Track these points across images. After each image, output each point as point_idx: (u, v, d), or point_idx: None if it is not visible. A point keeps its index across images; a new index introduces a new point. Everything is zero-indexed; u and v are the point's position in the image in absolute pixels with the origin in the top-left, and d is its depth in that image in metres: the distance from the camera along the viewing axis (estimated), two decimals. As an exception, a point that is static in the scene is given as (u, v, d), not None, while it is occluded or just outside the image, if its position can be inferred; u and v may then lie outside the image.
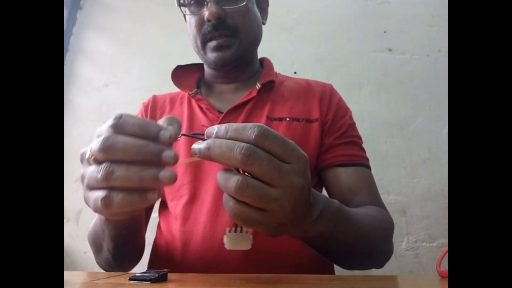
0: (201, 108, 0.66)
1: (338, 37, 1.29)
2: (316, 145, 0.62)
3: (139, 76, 1.39)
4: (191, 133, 0.33)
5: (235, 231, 0.36)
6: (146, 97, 0.74)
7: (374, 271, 0.63)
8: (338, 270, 0.65)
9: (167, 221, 0.61)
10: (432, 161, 1.11)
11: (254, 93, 0.65)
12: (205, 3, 0.62)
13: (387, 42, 1.26)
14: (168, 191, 0.62)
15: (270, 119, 0.63)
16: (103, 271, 0.56)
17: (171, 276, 0.37)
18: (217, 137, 0.30)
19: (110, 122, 0.30)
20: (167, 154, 0.29)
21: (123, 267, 0.55)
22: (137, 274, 0.34)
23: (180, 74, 0.72)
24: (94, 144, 0.30)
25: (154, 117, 0.70)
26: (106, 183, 0.29)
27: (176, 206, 0.59)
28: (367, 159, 0.65)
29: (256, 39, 0.69)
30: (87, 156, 0.31)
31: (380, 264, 0.54)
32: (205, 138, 0.32)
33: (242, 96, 0.66)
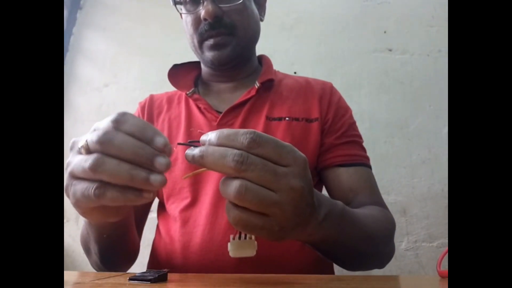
0: (199, 108, 0.65)
1: (338, 37, 1.29)
2: (316, 145, 0.61)
3: (139, 76, 1.39)
4: (188, 141, 0.33)
5: (239, 238, 0.34)
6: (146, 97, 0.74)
7: (374, 271, 0.63)
8: (337, 270, 0.65)
9: (166, 223, 0.61)
10: (432, 161, 1.11)
11: (253, 92, 0.64)
12: (201, 1, 0.60)
13: (387, 42, 1.26)
14: (168, 193, 0.61)
15: (269, 119, 0.62)
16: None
17: (171, 276, 0.37)
18: (210, 144, 0.30)
19: (112, 117, 0.30)
20: (161, 160, 0.29)
21: (113, 270, 0.54)
22: (137, 274, 0.34)
23: (177, 73, 0.71)
24: (92, 135, 0.29)
25: (151, 116, 0.69)
26: (93, 174, 0.29)
27: (175, 208, 0.59)
28: (368, 159, 0.64)
29: (254, 36, 0.68)
30: (80, 145, 0.31)
31: (382, 264, 0.54)
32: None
33: (240, 95, 0.65)
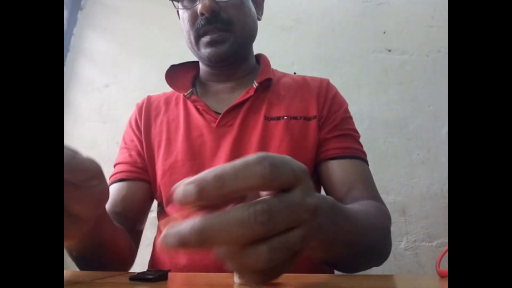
0: (197, 109, 0.64)
1: (337, 37, 1.30)
2: (315, 143, 0.61)
3: (140, 76, 1.39)
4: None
5: None
6: (147, 97, 0.73)
7: (373, 271, 0.63)
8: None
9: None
10: (431, 161, 1.11)
11: (251, 92, 0.63)
12: None
13: (387, 43, 1.26)
14: (167, 196, 0.61)
15: (267, 119, 0.62)
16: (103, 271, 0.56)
17: (171, 275, 0.37)
18: (206, 197, 0.21)
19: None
20: None
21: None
22: (137, 274, 0.34)
23: (175, 74, 0.70)
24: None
25: (148, 118, 0.68)
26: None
27: (175, 212, 0.59)
28: (364, 153, 0.63)
29: (251, 34, 0.67)
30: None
31: (379, 262, 0.52)
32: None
33: (239, 95, 0.64)
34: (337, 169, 0.59)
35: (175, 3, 0.65)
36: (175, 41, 1.35)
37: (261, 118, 0.62)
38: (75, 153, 0.29)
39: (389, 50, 1.25)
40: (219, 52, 0.62)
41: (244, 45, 0.66)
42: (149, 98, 0.72)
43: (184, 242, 0.20)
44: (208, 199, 0.21)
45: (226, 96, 0.67)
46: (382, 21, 1.28)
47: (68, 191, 0.31)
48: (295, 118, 0.62)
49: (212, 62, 0.64)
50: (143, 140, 0.67)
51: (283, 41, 1.31)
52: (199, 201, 0.21)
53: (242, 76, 0.69)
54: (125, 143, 0.69)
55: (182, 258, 0.55)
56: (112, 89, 1.40)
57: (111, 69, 1.42)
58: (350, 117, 0.66)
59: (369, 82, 1.22)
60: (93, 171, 0.32)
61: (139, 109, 0.70)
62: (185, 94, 0.66)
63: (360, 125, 0.69)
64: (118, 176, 0.65)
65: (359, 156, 0.61)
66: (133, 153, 0.67)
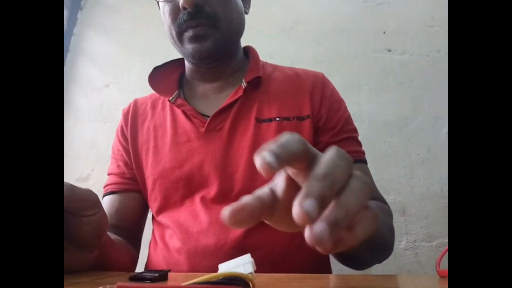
0: (184, 113, 0.61)
1: (337, 37, 1.30)
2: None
3: (140, 76, 1.39)
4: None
5: None
6: (146, 97, 0.73)
7: (373, 271, 0.63)
8: (335, 270, 0.65)
9: (161, 229, 0.60)
10: (431, 161, 1.11)
11: (240, 93, 0.59)
12: None
13: (387, 43, 1.26)
14: (158, 206, 0.60)
15: (259, 121, 0.59)
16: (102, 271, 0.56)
17: (171, 275, 0.37)
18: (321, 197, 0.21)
19: None
20: None
21: None
22: (137, 274, 0.34)
23: (158, 76, 0.65)
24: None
25: (135, 125, 0.66)
26: None
27: (168, 219, 0.58)
28: (363, 153, 0.63)
29: (238, 29, 0.63)
30: None
31: (385, 259, 0.53)
32: None
33: (227, 96, 0.61)
34: None
35: None
36: (175, 41, 1.35)
37: (252, 121, 0.59)
38: (73, 186, 0.32)
39: (389, 50, 1.25)
40: (203, 48, 0.58)
41: (230, 41, 0.61)
42: (135, 103, 0.69)
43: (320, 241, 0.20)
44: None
45: (214, 97, 0.64)
46: (382, 21, 1.28)
47: (69, 221, 0.33)
48: (288, 119, 0.59)
49: (196, 59, 0.60)
50: (130, 149, 0.64)
51: (283, 41, 1.31)
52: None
53: (230, 75, 0.65)
54: (113, 153, 0.68)
55: (177, 261, 0.55)
56: (112, 89, 1.40)
57: (111, 69, 1.42)
58: (349, 115, 0.65)
59: (369, 82, 1.22)
60: (91, 201, 0.34)
61: (125, 116, 0.68)
62: (170, 98, 0.62)
63: (360, 125, 0.69)
64: (109, 188, 0.64)
65: (362, 158, 0.61)
66: (120, 163, 0.65)
